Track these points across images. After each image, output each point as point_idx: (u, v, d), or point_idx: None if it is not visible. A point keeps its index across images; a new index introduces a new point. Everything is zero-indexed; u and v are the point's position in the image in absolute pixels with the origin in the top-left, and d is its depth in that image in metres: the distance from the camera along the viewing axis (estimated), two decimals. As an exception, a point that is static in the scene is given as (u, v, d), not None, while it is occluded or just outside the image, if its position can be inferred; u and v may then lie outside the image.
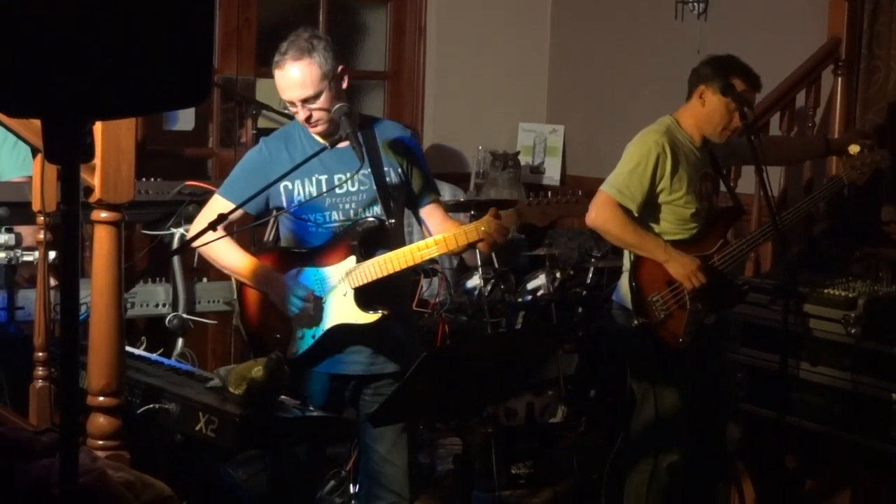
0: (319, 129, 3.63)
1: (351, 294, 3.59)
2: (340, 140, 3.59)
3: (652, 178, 4.18)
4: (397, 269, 3.54)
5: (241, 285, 3.75)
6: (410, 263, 3.54)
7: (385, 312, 3.57)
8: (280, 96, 3.64)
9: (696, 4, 6.31)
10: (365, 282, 3.57)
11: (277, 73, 3.61)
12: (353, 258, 3.60)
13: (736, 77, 4.19)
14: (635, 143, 4.29)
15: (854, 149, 4.54)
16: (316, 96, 3.58)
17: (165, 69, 1.84)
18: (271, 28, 6.44)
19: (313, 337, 3.62)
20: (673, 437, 4.28)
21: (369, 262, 3.57)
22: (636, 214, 4.22)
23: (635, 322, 4.21)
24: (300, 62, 3.56)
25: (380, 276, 3.55)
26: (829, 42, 5.50)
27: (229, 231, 3.63)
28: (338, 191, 3.65)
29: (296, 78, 3.57)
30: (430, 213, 3.78)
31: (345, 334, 3.62)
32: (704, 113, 4.24)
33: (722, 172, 4.48)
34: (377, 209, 3.66)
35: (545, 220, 3.57)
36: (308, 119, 3.61)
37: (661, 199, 4.24)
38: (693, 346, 4.24)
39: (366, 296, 3.59)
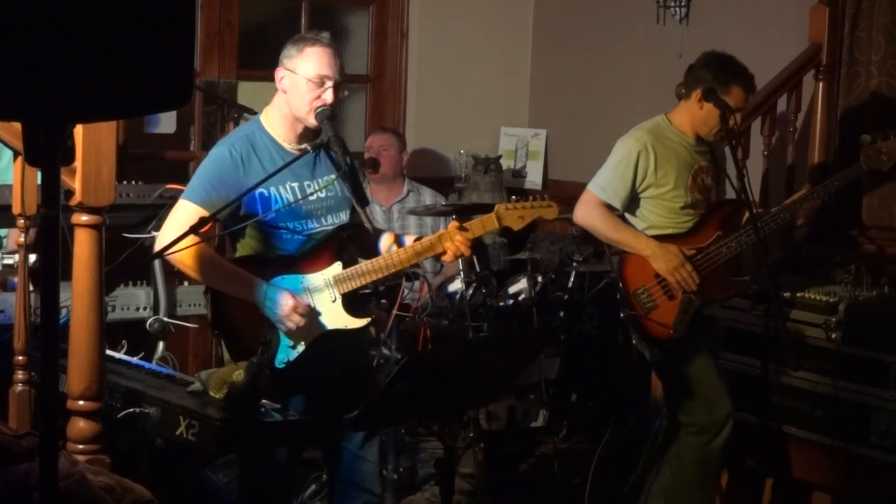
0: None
1: (340, 300, 3.59)
2: (322, 144, 3.58)
3: (634, 174, 4.33)
4: (384, 274, 3.57)
5: (215, 290, 3.63)
6: (397, 269, 3.57)
7: (374, 315, 3.59)
8: (310, 72, 3.56)
9: (677, 9, 6.32)
10: (353, 287, 3.58)
11: (317, 49, 3.59)
12: (338, 264, 3.60)
13: (736, 84, 4.28)
14: (620, 142, 4.43)
15: (866, 138, 4.48)
16: (341, 83, 3.64)
17: (147, 72, 1.83)
18: (253, 31, 6.44)
19: (303, 344, 3.59)
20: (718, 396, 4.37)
21: (356, 268, 3.58)
22: (621, 211, 4.38)
23: (622, 315, 4.35)
24: (335, 49, 3.64)
25: (368, 281, 3.57)
26: (811, 47, 5.52)
27: (203, 239, 3.49)
28: (311, 198, 3.63)
29: (335, 59, 3.61)
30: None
31: (330, 339, 3.61)
32: (702, 116, 4.34)
33: (723, 168, 4.55)
34: (345, 214, 3.68)
35: (521, 223, 3.71)
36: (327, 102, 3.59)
37: (649, 193, 4.37)
38: (696, 340, 4.34)
39: (352, 301, 3.60)
